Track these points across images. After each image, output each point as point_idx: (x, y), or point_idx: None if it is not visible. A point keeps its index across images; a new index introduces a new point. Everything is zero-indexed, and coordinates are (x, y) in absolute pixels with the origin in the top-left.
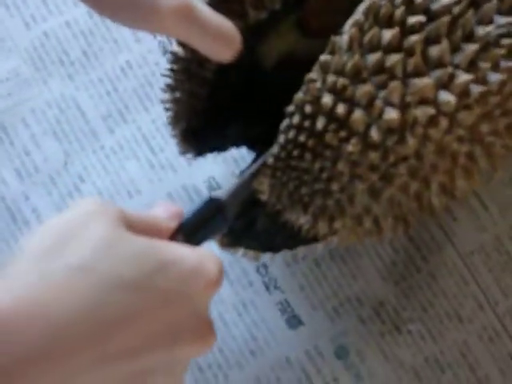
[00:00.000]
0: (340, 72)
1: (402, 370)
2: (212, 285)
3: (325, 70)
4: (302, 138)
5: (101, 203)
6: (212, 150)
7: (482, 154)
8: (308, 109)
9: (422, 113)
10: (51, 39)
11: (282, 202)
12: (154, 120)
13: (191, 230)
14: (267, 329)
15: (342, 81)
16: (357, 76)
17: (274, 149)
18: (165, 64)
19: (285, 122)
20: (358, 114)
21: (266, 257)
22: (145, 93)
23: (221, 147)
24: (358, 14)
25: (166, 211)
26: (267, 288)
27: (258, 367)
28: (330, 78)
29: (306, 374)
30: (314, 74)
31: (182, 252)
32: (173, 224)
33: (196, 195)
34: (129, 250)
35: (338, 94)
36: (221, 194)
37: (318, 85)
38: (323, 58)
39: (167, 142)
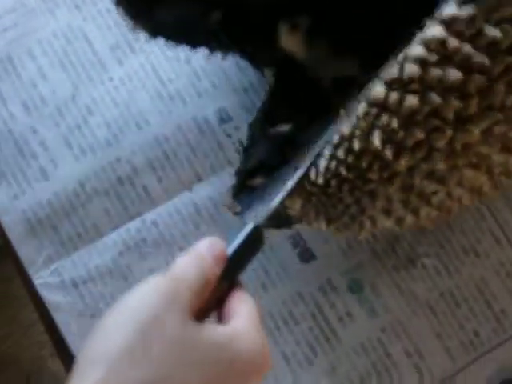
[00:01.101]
0: (395, 112)
1: (417, 305)
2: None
3: (379, 105)
4: (343, 172)
5: (171, 290)
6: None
7: None
8: (356, 145)
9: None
10: None
11: (308, 216)
12: (162, 50)
13: (237, 268)
14: (279, 263)
15: (395, 123)
16: (411, 118)
17: (312, 173)
18: None
19: (327, 150)
20: (405, 159)
21: None
22: None
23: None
24: (421, 50)
25: (209, 251)
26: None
27: (271, 301)
28: (384, 118)
29: (318, 308)
30: (365, 108)
31: (250, 349)
32: (218, 269)
33: (207, 127)
34: (198, 356)
35: (389, 134)
36: (259, 219)
37: (370, 120)
38: (379, 91)
39: (177, 73)
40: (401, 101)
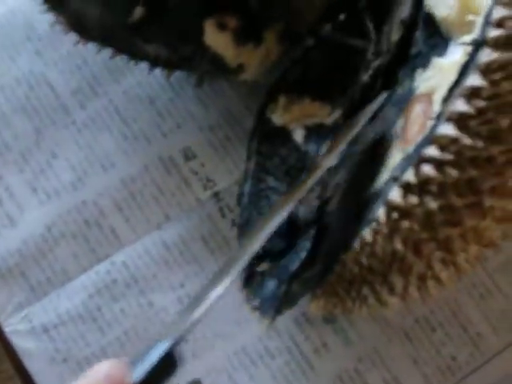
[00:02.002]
0: (415, 215)
1: (392, 331)
2: None
3: (398, 209)
4: (367, 276)
5: None
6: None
7: None
8: (379, 249)
9: None
10: (17, 15)
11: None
12: (125, 91)
13: None
14: None
15: (416, 226)
16: (431, 219)
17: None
18: None
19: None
20: (425, 258)
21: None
22: (115, 64)
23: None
24: (435, 151)
25: (107, 379)
26: None
27: (245, 337)
28: (405, 223)
29: (294, 341)
30: (385, 212)
31: None
32: None
33: (172, 165)
34: None
35: (410, 236)
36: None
37: (391, 224)
38: (397, 195)
39: (140, 114)
40: (420, 204)
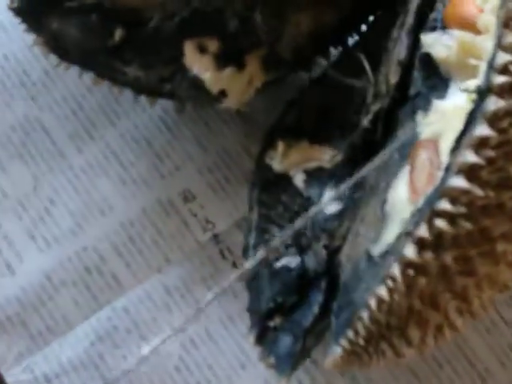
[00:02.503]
0: (431, 270)
1: (399, 371)
2: None
3: (414, 266)
4: (384, 332)
5: None
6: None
7: None
8: (396, 307)
9: None
10: (11, 61)
11: None
12: (122, 134)
13: None
14: None
15: (434, 284)
16: (447, 273)
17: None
18: None
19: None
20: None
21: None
22: (111, 108)
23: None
24: (447, 205)
25: None
26: None
27: (250, 381)
28: (422, 280)
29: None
30: (401, 270)
31: None
32: None
33: (171, 208)
34: None
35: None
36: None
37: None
38: (411, 251)
39: (138, 157)
40: (435, 258)
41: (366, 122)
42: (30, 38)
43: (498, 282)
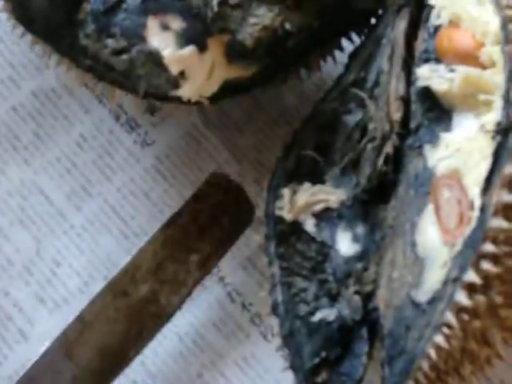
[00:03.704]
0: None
1: None
2: None
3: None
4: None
5: None
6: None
7: None
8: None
9: None
10: (0, 127)
11: None
12: (119, 188)
13: None
14: (273, 379)
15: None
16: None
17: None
18: (119, 131)
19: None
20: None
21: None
22: (104, 163)
23: None
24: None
25: None
26: (265, 337)
27: None
28: (476, 323)
29: None
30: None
31: None
32: None
33: None
34: None
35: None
36: None
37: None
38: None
39: (137, 209)
40: (485, 300)
41: (380, 163)
42: (16, 99)
43: None
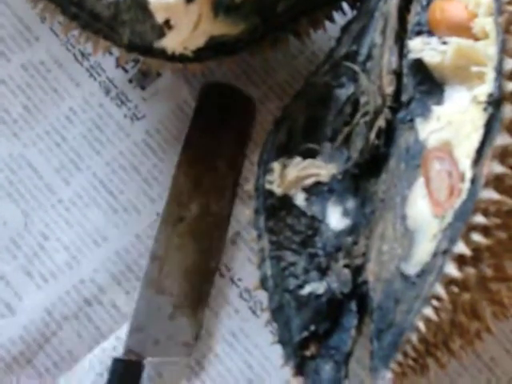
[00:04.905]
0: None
1: None
2: None
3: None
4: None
5: None
6: None
7: None
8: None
9: None
10: None
11: None
12: (108, 163)
13: None
14: (262, 354)
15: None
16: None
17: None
18: (109, 105)
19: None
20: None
21: (249, 282)
22: (94, 137)
23: None
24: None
25: None
26: (254, 312)
27: None
28: (466, 295)
29: None
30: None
31: None
32: None
33: None
34: None
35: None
36: None
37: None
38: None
39: (126, 184)
40: (476, 272)
41: (372, 137)
42: (5, 72)
43: None
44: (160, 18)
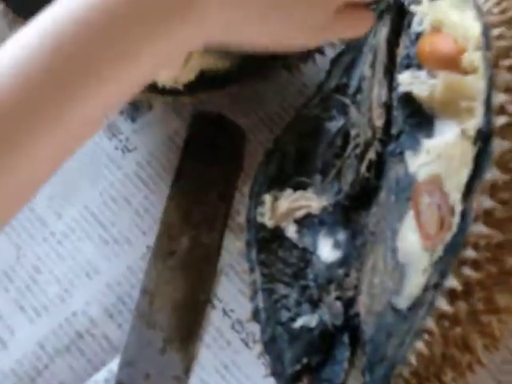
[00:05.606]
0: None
1: None
2: None
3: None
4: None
5: None
6: None
7: None
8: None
9: None
10: None
11: None
12: (99, 195)
13: None
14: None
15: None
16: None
17: None
18: (100, 137)
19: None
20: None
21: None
22: (85, 169)
23: None
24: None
25: None
26: (246, 344)
27: None
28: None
29: None
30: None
31: None
32: None
33: None
34: None
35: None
36: None
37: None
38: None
39: (118, 216)
40: (466, 306)
41: (363, 170)
42: None
43: None
44: None
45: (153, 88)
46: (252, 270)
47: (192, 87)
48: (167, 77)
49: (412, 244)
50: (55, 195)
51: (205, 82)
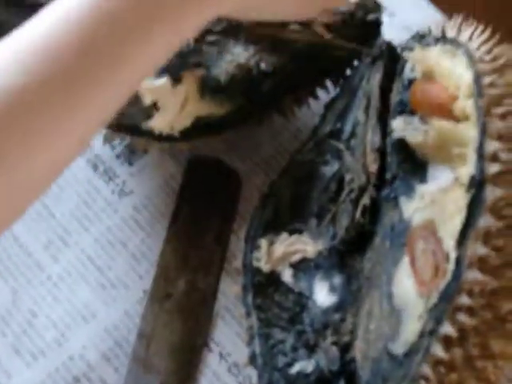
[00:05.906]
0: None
1: None
2: None
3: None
4: None
5: None
6: None
7: None
8: None
9: None
10: None
11: None
12: (96, 239)
13: None
14: None
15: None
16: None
17: None
18: (97, 181)
19: None
20: None
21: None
22: (82, 213)
23: None
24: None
25: None
26: None
27: None
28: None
29: None
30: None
31: None
32: None
33: None
34: None
35: None
36: None
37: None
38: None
39: (114, 260)
40: (462, 352)
41: (358, 215)
42: None
43: (510, 356)
44: (147, 101)
45: (149, 134)
46: (248, 314)
47: (188, 134)
48: (163, 123)
49: (407, 290)
50: (52, 239)
51: (200, 128)
